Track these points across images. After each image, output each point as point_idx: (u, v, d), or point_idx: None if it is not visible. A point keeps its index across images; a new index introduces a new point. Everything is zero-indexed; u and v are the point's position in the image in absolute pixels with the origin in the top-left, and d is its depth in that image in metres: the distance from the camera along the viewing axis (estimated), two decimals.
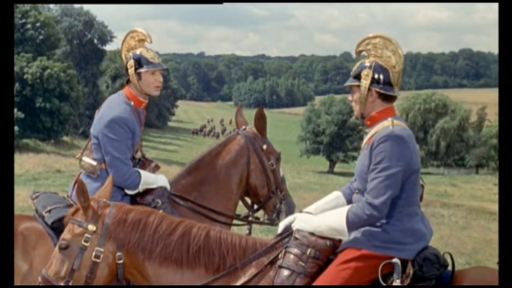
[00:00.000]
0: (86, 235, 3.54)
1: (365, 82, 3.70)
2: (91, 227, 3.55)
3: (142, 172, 4.86)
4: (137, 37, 4.98)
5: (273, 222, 5.17)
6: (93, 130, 4.86)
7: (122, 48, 5.04)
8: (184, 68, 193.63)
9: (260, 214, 5.40)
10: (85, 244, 3.53)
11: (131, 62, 4.87)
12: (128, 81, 4.97)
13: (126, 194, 4.84)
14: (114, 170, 4.70)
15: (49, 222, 4.46)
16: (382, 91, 3.70)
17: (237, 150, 5.18)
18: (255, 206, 5.34)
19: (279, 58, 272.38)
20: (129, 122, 4.76)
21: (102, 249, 3.53)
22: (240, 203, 5.40)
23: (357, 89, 3.74)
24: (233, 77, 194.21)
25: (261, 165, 5.17)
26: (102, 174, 4.77)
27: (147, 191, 4.86)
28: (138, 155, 5.04)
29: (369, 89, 3.70)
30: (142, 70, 4.85)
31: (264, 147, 5.20)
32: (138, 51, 4.90)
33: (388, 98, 3.74)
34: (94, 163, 4.80)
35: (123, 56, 5.01)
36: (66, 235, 3.58)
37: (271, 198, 5.22)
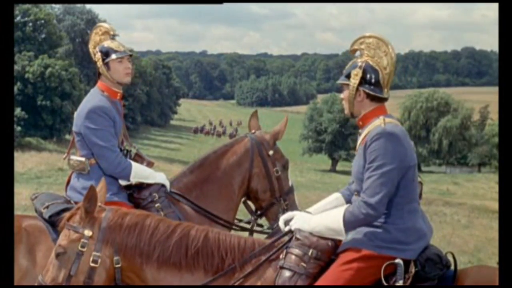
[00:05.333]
0: (83, 240, 3.51)
1: (353, 82, 3.69)
2: (87, 232, 3.52)
3: (134, 163, 4.88)
4: (100, 31, 5.07)
5: (274, 232, 5.11)
6: (74, 127, 4.90)
7: (90, 46, 5.11)
8: (187, 67, 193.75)
9: (265, 221, 5.36)
10: (82, 249, 3.50)
11: (98, 55, 4.95)
12: (99, 75, 5.01)
13: (121, 188, 4.86)
14: (103, 159, 4.75)
15: (47, 217, 4.50)
16: (370, 92, 3.68)
17: (242, 152, 5.17)
18: (258, 212, 5.29)
19: (281, 56, 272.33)
20: (107, 110, 4.79)
21: (99, 254, 3.50)
22: (244, 209, 5.40)
23: (347, 87, 3.74)
24: (235, 75, 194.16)
25: (264, 170, 5.14)
26: (93, 170, 4.80)
27: (144, 187, 4.88)
28: (124, 146, 5.04)
29: (357, 89, 3.69)
30: (109, 59, 4.91)
31: (271, 152, 5.17)
32: (103, 44, 4.98)
33: (377, 99, 3.72)
34: (83, 159, 4.82)
35: (91, 53, 5.07)
36: (62, 241, 3.55)
37: (273, 205, 5.17)
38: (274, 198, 5.18)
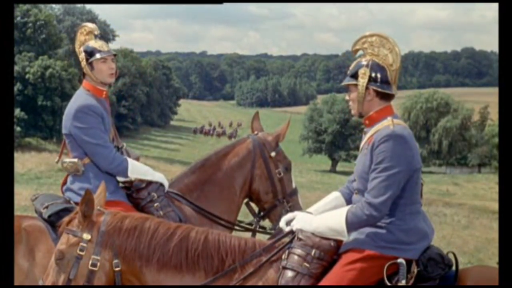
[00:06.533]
0: (81, 244, 3.50)
1: (362, 81, 3.68)
2: (86, 236, 3.51)
3: (130, 159, 4.87)
4: (85, 31, 5.05)
5: (276, 233, 5.07)
6: (63, 129, 4.88)
7: (75, 46, 5.10)
8: (186, 67, 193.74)
9: (267, 223, 5.34)
10: (81, 253, 3.49)
11: (82, 55, 4.94)
12: (84, 75, 5.01)
13: (119, 187, 4.86)
14: (97, 156, 4.74)
15: (46, 216, 4.50)
16: (379, 90, 3.68)
17: (244, 154, 5.16)
18: (261, 214, 5.28)
19: (281, 57, 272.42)
20: (94, 108, 4.79)
21: (98, 257, 3.49)
22: (247, 210, 5.39)
23: (354, 88, 3.72)
24: (235, 76, 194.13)
25: (266, 171, 5.13)
26: (87, 169, 4.79)
27: (143, 187, 4.88)
28: (116, 143, 5.02)
29: (366, 88, 3.68)
30: (93, 59, 4.90)
31: (273, 154, 5.16)
32: (87, 44, 4.97)
33: (386, 97, 3.71)
34: (75, 160, 4.81)
35: (77, 53, 5.06)
36: (61, 245, 3.54)
37: (276, 206, 5.16)
38: (277, 200, 5.16)
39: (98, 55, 4.90)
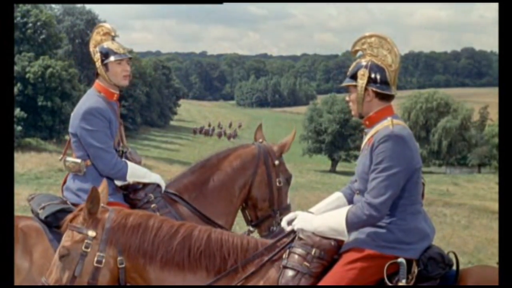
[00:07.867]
0: (86, 241, 3.52)
1: (361, 82, 3.68)
2: (91, 233, 3.53)
3: (129, 163, 4.88)
4: (102, 31, 5.05)
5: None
6: (70, 128, 4.91)
7: (90, 45, 5.09)
8: (186, 67, 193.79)
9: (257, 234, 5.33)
10: (86, 250, 3.50)
11: (98, 56, 4.95)
12: (97, 75, 5.01)
13: (117, 189, 4.86)
14: (99, 160, 4.75)
15: (43, 217, 4.51)
16: (379, 91, 3.69)
17: (248, 158, 5.16)
18: (253, 223, 5.26)
19: (281, 57, 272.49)
20: (103, 111, 4.80)
21: (103, 254, 3.50)
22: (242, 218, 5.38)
23: (354, 89, 3.73)
24: (235, 76, 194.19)
25: (267, 179, 5.14)
26: (88, 171, 4.81)
27: (140, 188, 4.88)
28: (121, 147, 5.03)
29: (365, 89, 3.68)
30: (108, 61, 4.90)
31: (276, 162, 5.17)
32: (103, 44, 4.98)
33: (385, 97, 3.72)
34: (78, 160, 4.83)
35: (91, 52, 5.05)
36: (65, 242, 3.55)
37: (270, 216, 5.16)
38: (272, 210, 5.16)
39: (113, 58, 4.90)
